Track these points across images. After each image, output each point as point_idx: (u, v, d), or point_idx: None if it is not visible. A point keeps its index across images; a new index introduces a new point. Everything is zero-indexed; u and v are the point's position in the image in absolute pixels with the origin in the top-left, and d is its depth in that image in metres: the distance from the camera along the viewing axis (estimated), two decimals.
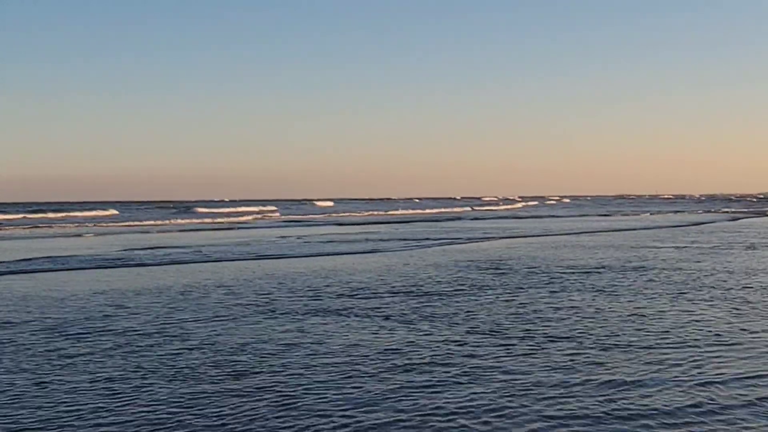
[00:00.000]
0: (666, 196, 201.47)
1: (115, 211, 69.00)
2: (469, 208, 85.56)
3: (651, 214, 63.05)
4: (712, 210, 72.12)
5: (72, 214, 63.55)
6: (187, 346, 8.87)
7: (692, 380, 7.04)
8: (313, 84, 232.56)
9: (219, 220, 57.46)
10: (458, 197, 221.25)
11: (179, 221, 54.12)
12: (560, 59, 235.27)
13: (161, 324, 10.38)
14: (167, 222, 53.24)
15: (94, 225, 49.55)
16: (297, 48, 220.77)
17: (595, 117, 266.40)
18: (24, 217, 58.02)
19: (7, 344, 9.15)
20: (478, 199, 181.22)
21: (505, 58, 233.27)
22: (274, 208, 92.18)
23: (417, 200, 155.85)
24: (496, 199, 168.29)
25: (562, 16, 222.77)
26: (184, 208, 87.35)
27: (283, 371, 7.62)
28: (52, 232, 39.60)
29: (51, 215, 61.82)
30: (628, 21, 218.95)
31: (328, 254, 22.51)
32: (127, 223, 51.00)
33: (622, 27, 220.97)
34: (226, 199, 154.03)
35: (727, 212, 64.86)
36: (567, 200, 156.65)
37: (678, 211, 68.67)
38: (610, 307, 11.44)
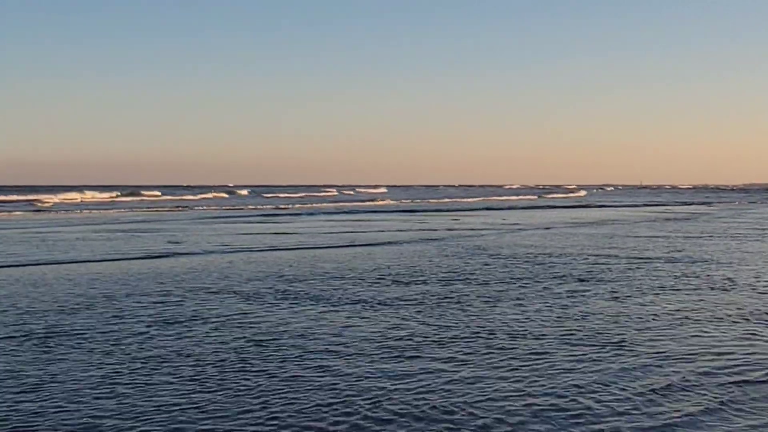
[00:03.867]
0: (683, 187, 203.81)
1: (225, 194, 74.22)
2: (535, 197, 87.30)
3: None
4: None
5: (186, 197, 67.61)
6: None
7: None
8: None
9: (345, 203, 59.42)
10: (476, 185, 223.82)
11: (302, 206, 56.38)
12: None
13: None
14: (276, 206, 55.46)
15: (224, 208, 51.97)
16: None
17: (608, 108, 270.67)
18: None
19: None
20: (501, 187, 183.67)
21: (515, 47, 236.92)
22: (335, 192, 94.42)
23: (437, 187, 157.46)
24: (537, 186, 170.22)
25: None
26: (254, 192, 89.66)
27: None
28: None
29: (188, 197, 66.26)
30: None
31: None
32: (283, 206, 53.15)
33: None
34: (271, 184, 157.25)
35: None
36: (610, 188, 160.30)
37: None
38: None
